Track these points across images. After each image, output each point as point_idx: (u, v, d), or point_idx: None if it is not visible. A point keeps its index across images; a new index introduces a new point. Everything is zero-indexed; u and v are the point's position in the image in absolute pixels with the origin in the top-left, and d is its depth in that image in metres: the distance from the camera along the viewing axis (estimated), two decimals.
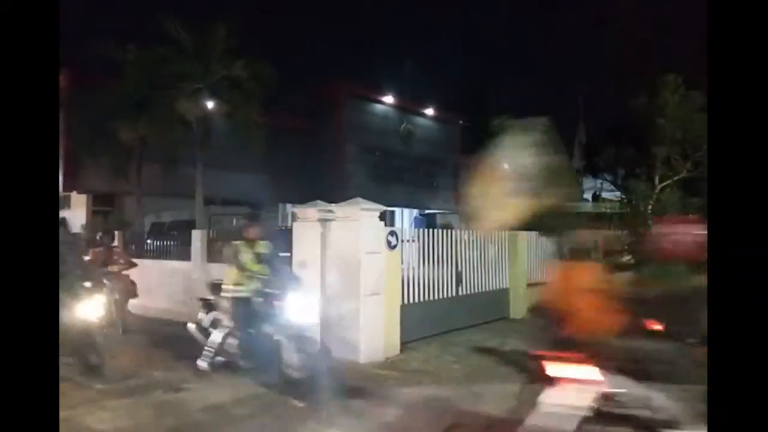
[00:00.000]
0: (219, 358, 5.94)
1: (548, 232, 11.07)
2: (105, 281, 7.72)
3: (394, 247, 7.33)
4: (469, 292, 8.86)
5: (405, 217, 26.60)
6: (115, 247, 9.62)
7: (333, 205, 7.18)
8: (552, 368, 3.12)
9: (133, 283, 8.86)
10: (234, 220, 11.93)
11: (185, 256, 9.98)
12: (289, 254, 7.26)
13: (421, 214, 27.98)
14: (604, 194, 16.17)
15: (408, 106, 26.31)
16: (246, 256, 5.76)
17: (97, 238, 9.28)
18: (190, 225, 11.82)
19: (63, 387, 5.06)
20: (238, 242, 5.92)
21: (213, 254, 9.62)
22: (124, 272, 8.84)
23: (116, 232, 11.33)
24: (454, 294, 8.54)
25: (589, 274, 3.56)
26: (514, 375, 6.04)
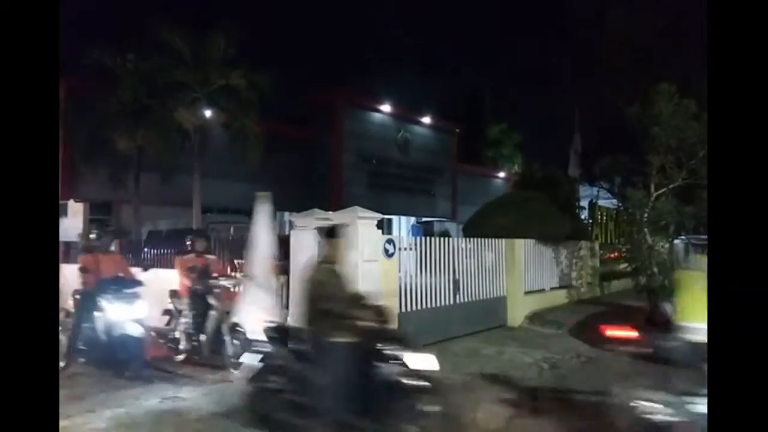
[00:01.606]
0: None
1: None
2: (213, 303, 6.46)
3: (392, 255, 7.35)
4: (466, 300, 8.87)
5: (402, 226, 26.62)
6: (210, 255, 7.32)
7: (330, 213, 7.21)
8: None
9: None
10: (231, 229, 11.89)
11: None
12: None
13: (418, 222, 28.02)
14: (601, 202, 16.22)
15: (405, 115, 26.42)
16: None
17: (187, 243, 7.32)
18: (188, 234, 11.79)
19: None
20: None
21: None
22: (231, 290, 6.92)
23: (210, 235, 9.27)
24: (451, 302, 8.54)
25: None
26: (511, 384, 6.05)
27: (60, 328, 6.90)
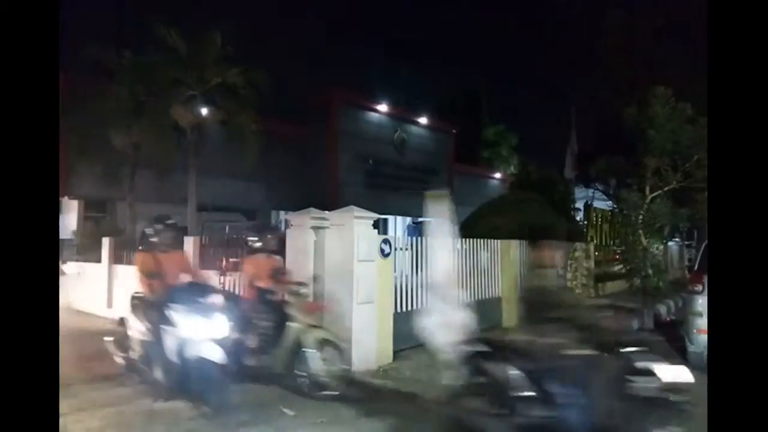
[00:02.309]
0: None
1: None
2: (293, 313, 5.56)
3: (388, 255, 7.35)
4: (462, 300, 8.87)
5: (398, 226, 26.62)
6: (277, 256, 6.55)
7: (326, 212, 7.20)
8: None
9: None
10: (226, 227, 11.86)
11: None
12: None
13: (414, 223, 28.02)
14: (596, 204, 16.31)
15: (402, 115, 26.41)
16: None
17: (250, 240, 6.55)
18: (183, 231, 11.75)
19: None
20: None
21: (205, 261, 9.59)
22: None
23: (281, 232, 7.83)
24: None
25: None
26: None
27: (111, 338, 5.97)
